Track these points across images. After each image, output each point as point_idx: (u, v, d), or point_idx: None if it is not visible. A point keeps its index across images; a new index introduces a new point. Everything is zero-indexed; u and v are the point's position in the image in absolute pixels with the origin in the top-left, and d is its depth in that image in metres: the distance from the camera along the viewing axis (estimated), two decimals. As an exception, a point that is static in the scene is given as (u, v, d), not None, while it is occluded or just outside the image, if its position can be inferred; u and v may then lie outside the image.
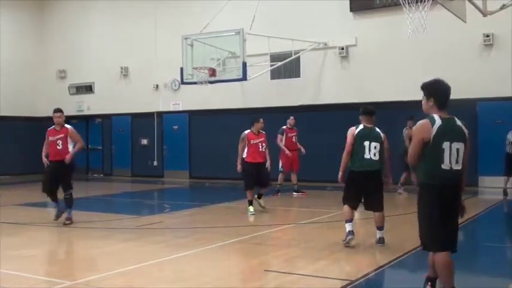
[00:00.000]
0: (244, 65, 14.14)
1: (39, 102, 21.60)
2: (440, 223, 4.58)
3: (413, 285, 5.76)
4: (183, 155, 19.69)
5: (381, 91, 15.70)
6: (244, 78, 14.36)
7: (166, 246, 7.75)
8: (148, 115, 20.40)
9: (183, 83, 15.66)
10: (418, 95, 4.87)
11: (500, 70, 14.36)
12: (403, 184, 13.31)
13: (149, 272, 6.26)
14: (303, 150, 13.58)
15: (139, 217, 10.81)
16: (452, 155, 4.56)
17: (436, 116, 4.60)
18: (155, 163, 20.30)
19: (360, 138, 7.26)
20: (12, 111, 21.12)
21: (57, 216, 9.48)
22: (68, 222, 9.38)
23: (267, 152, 10.81)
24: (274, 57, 16.15)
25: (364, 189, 7.30)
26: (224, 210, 11.71)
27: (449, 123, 4.63)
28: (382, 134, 7.40)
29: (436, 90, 4.73)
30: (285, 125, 13.55)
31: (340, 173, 7.40)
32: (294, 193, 13.51)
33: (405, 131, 13.07)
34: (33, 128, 19.09)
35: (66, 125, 9.65)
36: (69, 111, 20.86)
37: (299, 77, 17.38)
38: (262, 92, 17.55)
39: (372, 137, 7.30)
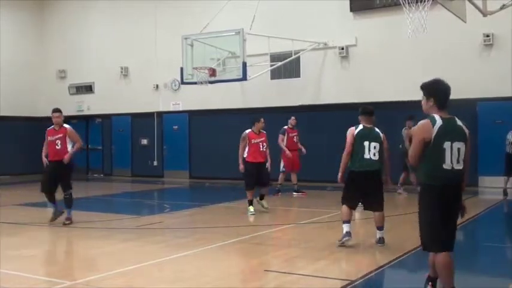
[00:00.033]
0: (244, 65, 14.14)
1: (39, 102, 21.59)
2: (441, 223, 4.58)
3: (413, 285, 5.77)
4: (183, 155, 19.69)
5: (381, 91, 15.71)
6: (244, 78, 14.36)
7: (166, 246, 7.75)
8: (148, 115, 20.40)
9: (183, 83, 15.66)
10: (418, 95, 4.86)
11: (500, 70, 14.36)
12: (402, 184, 13.32)
13: (149, 272, 6.26)
14: (303, 150, 13.59)
15: (139, 217, 10.81)
16: (454, 155, 4.56)
17: (436, 116, 4.60)
18: (155, 163, 20.30)
19: (359, 138, 7.26)
20: (12, 111, 21.12)
21: (54, 218, 9.43)
22: (67, 222, 9.38)
23: (267, 151, 10.81)
24: (274, 57, 16.15)
25: (364, 189, 7.29)
26: (224, 210, 11.71)
27: (450, 123, 4.63)
28: (381, 134, 7.41)
29: (436, 90, 4.73)
30: (285, 125, 13.56)
31: (339, 173, 7.41)
32: (294, 193, 13.51)
33: (404, 131, 13.07)
34: (33, 128, 19.08)
35: (65, 125, 9.64)
36: (69, 111, 20.90)
37: (299, 77, 17.38)
38: (262, 92, 17.55)
39: (371, 137, 7.30)
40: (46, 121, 9.70)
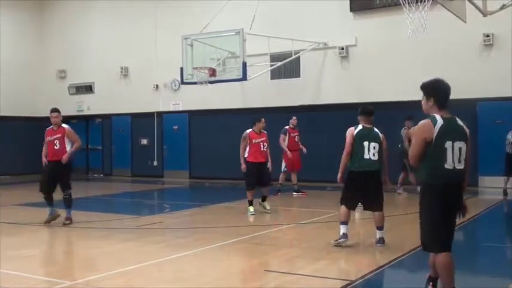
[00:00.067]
0: (244, 65, 14.14)
1: (39, 102, 21.58)
2: (442, 223, 4.58)
3: (413, 285, 5.77)
4: (183, 155, 19.69)
5: (381, 91, 15.71)
6: (244, 78, 14.36)
7: (166, 246, 7.75)
8: (148, 115, 20.40)
9: (183, 83, 15.66)
10: (418, 95, 4.86)
11: (500, 70, 14.36)
12: (402, 184, 13.33)
13: (149, 272, 6.26)
14: (304, 150, 13.61)
15: (139, 217, 10.81)
16: (455, 154, 4.56)
17: (437, 116, 4.60)
18: (155, 163, 20.30)
19: (359, 138, 7.26)
20: (12, 111, 21.12)
21: (48, 220, 9.35)
22: (67, 222, 9.37)
23: (268, 151, 10.80)
24: (274, 57, 16.15)
25: (364, 189, 7.29)
26: (224, 210, 11.71)
27: (451, 123, 4.63)
28: (380, 135, 7.41)
29: (436, 90, 4.73)
30: (285, 125, 13.57)
31: (339, 173, 7.42)
32: (294, 193, 13.51)
33: (403, 131, 13.08)
34: (33, 128, 19.08)
35: (64, 125, 9.60)
36: (69, 111, 20.94)
37: (299, 77, 17.38)
38: (262, 92, 17.55)
39: (371, 137, 7.30)
40: (46, 121, 9.69)
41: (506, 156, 12.80)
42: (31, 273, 6.23)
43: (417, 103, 5.09)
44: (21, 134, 20.88)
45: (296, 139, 13.53)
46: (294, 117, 13.69)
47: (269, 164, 10.79)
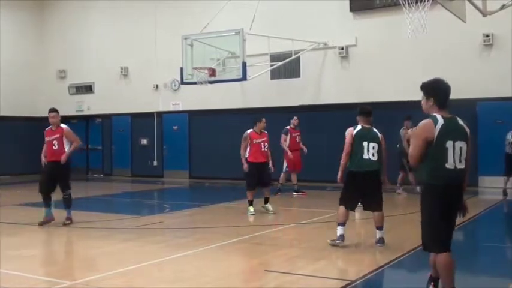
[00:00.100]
0: (244, 65, 14.14)
1: (39, 102, 21.57)
2: (442, 223, 4.57)
3: (413, 285, 5.77)
4: (183, 155, 19.69)
5: (381, 91, 15.71)
6: (244, 78, 14.36)
7: (166, 246, 7.75)
8: (148, 115, 20.40)
9: (183, 83, 15.66)
10: (418, 95, 4.86)
11: (500, 70, 14.36)
12: (401, 184, 13.33)
13: (149, 272, 6.26)
14: (305, 150, 13.63)
15: (139, 217, 10.81)
16: (456, 154, 4.55)
17: (438, 116, 4.59)
18: (155, 163, 20.30)
19: (358, 138, 7.26)
20: (12, 111, 21.12)
21: (43, 222, 9.27)
22: (67, 222, 9.37)
23: (269, 152, 10.77)
24: (274, 57, 16.15)
25: (363, 189, 7.29)
26: (224, 210, 11.71)
27: (452, 123, 4.62)
28: (379, 135, 7.42)
29: (436, 89, 4.72)
30: (285, 125, 13.58)
31: (339, 174, 7.42)
32: (294, 193, 13.51)
33: (402, 131, 13.08)
34: (33, 128, 19.06)
35: (62, 125, 9.57)
36: (69, 111, 20.97)
37: (299, 77, 17.38)
38: (262, 92, 17.55)
39: (369, 137, 7.31)
40: (46, 121, 9.68)
41: (506, 156, 12.81)
42: (31, 273, 6.23)
43: (417, 103, 5.09)
44: (21, 134, 20.88)
45: (297, 139, 13.56)
46: (295, 117, 13.71)
47: (271, 165, 10.77)
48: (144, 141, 20.55)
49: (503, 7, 11.38)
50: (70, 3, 22.22)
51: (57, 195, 9.67)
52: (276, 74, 17.43)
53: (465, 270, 5.88)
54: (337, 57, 16.79)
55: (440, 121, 4.55)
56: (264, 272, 6.38)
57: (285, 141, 13.29)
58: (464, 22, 11.06)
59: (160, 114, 20.27)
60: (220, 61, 14.70)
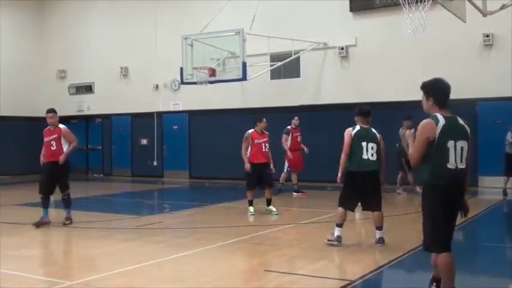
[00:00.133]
0: (244, 65, 14.13)
1: (39, 102, 21.52)
2: (443, 224, 4.57)
3: (413, 285, 5.77)
4: (183, 155, 19.69)
5: (381, 91, 15.71)
6: (244, 78, 14.35)
7: (166, 246, 7.75)
8: (148, 115, 20.40)
9: (183, 83, 15.65)
10: (418, 95, 4.86)
11: (500, 70, 14.36)
12: (401, 184, 13.33)
13: (149, 272, 6.26)
14: (306, 149, 13.64)
15: (139, 217, 10.81)
16: (457, 154, 4.55)
17: (439, 115, 4.58)
18: (155, 163, 20.30)
19: (357, 139, 7.27)
20: (12, 111, 21.12)
21: (39, 224, 9.19)
22: (67, 222, 9.37)
23: (269, 152, 10.75)
24: (274, 57, 16.15)
25: (362, 189, 7.30)
26: (224, 210, 11.71)
27: (453, 122, 4.62)
28: (378, 135, 7.42)
29: (435, 89, 4.72)
30: (285, 125, 13.59)
31: (339, 174, 7.43)
32: (294, 193, 13.51)
33: (401, 131, 13.08)
34: (33, 128, 19.03)
35: (60, 125, 9.56)
36: (69, 111, 20.99)
37: (299, 77, 17.38)
38: (262, 92, 17.55)
39: (368, 137, 7.32)
40: (46, 121, 9.67)
41: (506, 156, 12.81)
42: (31, 273, 6.23)
43: (417, 103, 5.09)
44: (21, 134, 20.87)
45: (298, 139, 13.58)
46: (296, 118, 13.73)
47: (272, 165, 10.76)
48: (144, 141, 20.55)
49: (503, 7, 11.38)
50: (70, 3, 22.22)
51: (56, 196, 9.68)
52: (276, 74, 17.43)
53: (465, 270, 5.87)
54: (337, 57, 16.79)
55: (442, 121, 4.54)
56: (264, 272, 6.38)
57: (286, 141, 13.29)
58: (464, 22, 11.06)
59: (160, 114, 20.27)
60: (220, 61, 14.70)
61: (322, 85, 17.13)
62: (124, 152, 21.04)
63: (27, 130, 20.47)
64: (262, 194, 10.71)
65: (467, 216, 4.89)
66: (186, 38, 14.84)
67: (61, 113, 9.80)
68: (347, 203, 7.36)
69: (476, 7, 10.73)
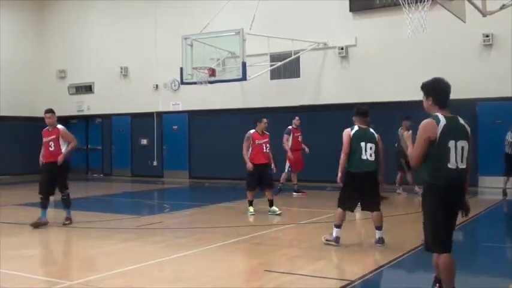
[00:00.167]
0: (244, 65, 14.13)
1: (39, 102, 21.47)
2: (444, 223, 4.56)
3: (413, 285, 5.77)
4: (182, 155, 19.69)
5: (381, 91, 15.71)
6: (244, 78, 14.35)
7: (166, 246, 7.75)
8: (148, 115, 20.40)
9: (182, 83, 15.65)
10: (418, 95, 4.86)
11: (500, 70, 14.36)
12: (400, 184, 13.33)
13: (149, 272, 6.26)
14: (307, 149, 13.65)
15: (139, 217, 10.81)
16: (458, 154, 4.54)
17: (440, 115, 4.57)
18: (155, 163, 20.30)
19: (356, 139, 7.28)
20: (12, 111, 21.11)
21: (36, 224, 9.13)
22: (67, 222, 9.37)
23: (270, 153, 10.72)
24: (274, 57, 16.15)
25: (362, 189, 7.30)
26: (224, 210, 11.71)
27: (453, 122, 4.61)
28: (376, 135, 7.43)
29: (435, 89, 4.72)
30: (286, 125, 13.59)
31: (339, 174, 7.43)
32: (294, 193, 13.52)
33: (400, 131, 13.07)
34: (33, 128, 18.97)
35: (58, 126, 9.55)
36: (69, 111, 21.00)
37: (299, 77, 17.38)
38: (262, 92, 17.55)
39: (367, 138, 7.33)
40: (45, 121, 9.67)
41: (506, 156, 12.81)
42: (31, 273, 6.23)
43: (417, 103, 5.09)
44: (21, 134, 20.85)
45: (299, 139, 13.59)
46: (297, 118, 13.73)
47: (273, 166, 10.73)
48: (144, 141, 20.55)
49: (503, 7, 11.38)
50: (70, 3, 22.22)
51: (56, 196, 9.67)
52: (276, 74, 17.43)
53: (465, 270, 5.87)
54: (337, 57, 16.79)
55: (443, 120, 4.53)
56: (264, 272, 6.37)
57: (288, 142, 13.30)
58: (464, 22, 11.06)
59: (160, 114, 20.27)
60: (220, 61, 14.70)
61: (322, 85, 17.13)
62: (124, 152, 21.04)
63: (27, 130, 20.43)
64: (262, 194, 10.70)
65: (468, 216, 4.88)
66: (186, 38, 14.83)
67: (61, 113, 9.81)
68: (347, 203, 7.37)
69: (476, 7, 10.73)
